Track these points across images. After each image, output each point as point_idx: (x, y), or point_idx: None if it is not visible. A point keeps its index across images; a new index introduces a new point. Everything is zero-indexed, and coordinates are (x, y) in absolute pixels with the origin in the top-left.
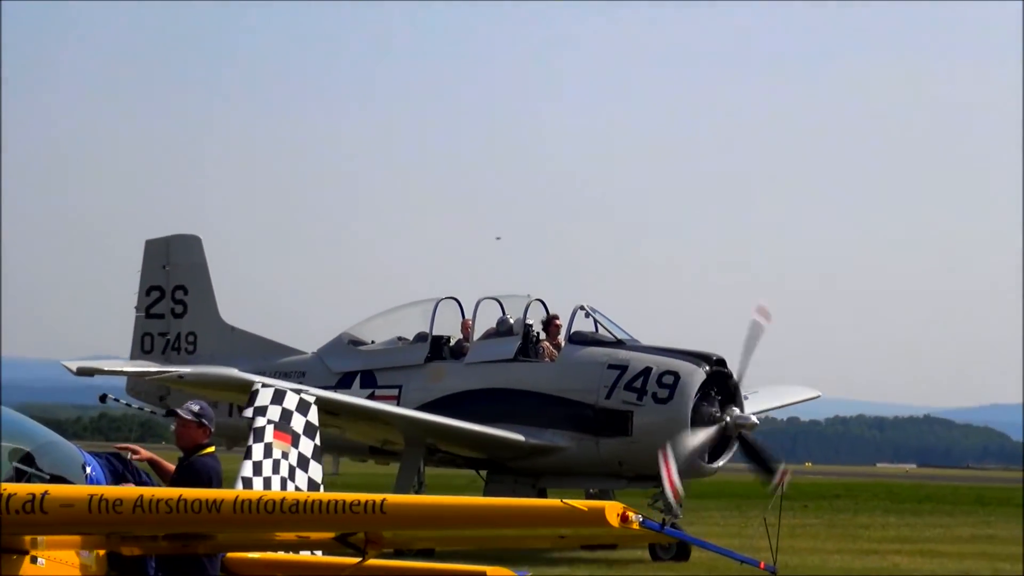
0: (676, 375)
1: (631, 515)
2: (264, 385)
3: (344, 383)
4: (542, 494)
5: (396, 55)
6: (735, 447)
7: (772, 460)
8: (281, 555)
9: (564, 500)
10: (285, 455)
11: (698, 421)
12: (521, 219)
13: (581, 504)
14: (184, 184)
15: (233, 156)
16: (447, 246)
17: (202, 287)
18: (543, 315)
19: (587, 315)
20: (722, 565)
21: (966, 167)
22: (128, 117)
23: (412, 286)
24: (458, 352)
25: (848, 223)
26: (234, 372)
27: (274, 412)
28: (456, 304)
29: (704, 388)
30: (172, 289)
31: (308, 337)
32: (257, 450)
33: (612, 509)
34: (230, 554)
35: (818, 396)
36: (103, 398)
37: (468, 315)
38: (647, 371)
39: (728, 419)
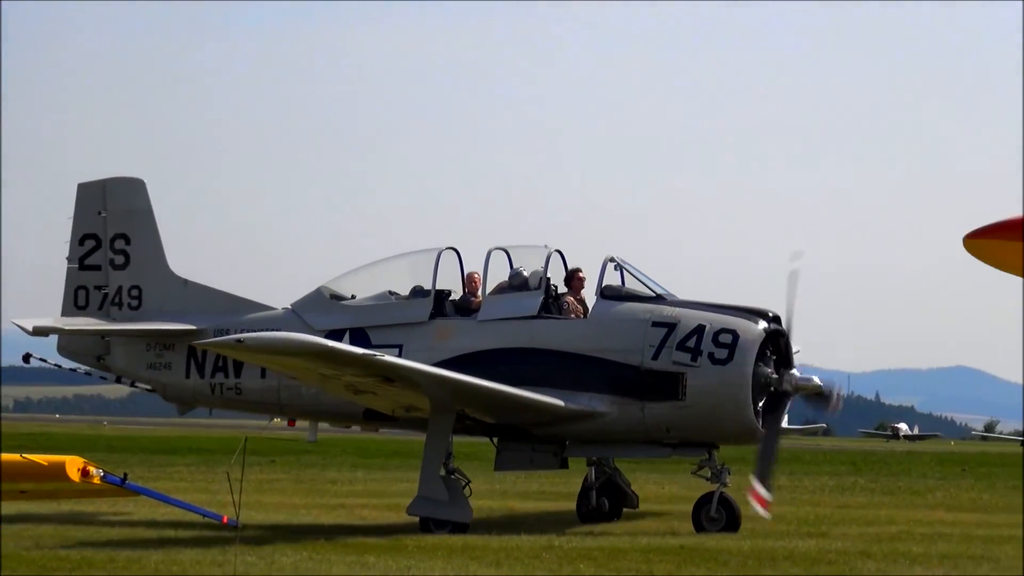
0: (734, 333)
1: (92, 470)
2: (337, 348)
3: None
4: (564, 464)
5: None
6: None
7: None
8: None
9: (24, 455)
10: None
11: (756, 383)
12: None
13: (42, 459)
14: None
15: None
16: (430, 195)
17: (147, 236)
18: (562, 268)
19: (616, 267)
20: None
21: None
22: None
23: (393, 236)
24: (465, 308)
25: None
26: (307, 336)
27: None
28: (455, 256)
29: (761, 347)
30: (111, 238)
31: (263, 294)
32: None
33: (72, 464)
34: None
35: None
36: (27, 358)
37: (469, 268)
38: (700, 329)
39: (787, 382)
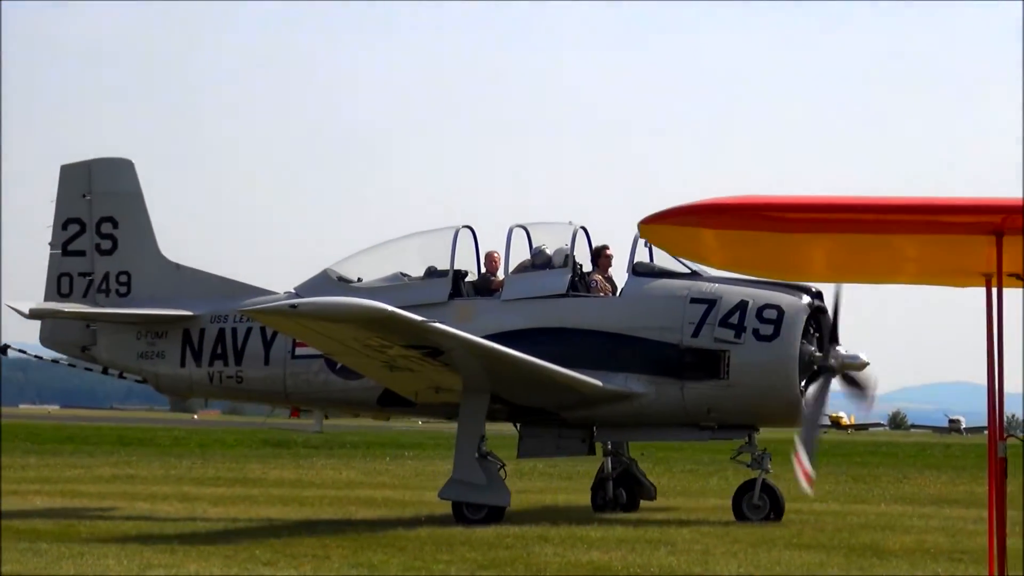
0: (779, 308)
1: None
2: (399, 313)
3: None
4: (591, 450)
5: None
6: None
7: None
8: None
9: None
10: None
11: (801, 361)
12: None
13: None
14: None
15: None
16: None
17: (136, 219)
18: (586, 246)
19: (647, 244)
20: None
21: None
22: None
23: (395, 217)
24: (484, 288)
25: None
26: (367, 301)
27: None
28: (471, 234)
29: (805, 323)
30: (96, 222)
31: (261, 279)
32: None
33: None
34: None
35: None
36: (4, 349)
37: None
38: (743, 305)
39: (834, 359)
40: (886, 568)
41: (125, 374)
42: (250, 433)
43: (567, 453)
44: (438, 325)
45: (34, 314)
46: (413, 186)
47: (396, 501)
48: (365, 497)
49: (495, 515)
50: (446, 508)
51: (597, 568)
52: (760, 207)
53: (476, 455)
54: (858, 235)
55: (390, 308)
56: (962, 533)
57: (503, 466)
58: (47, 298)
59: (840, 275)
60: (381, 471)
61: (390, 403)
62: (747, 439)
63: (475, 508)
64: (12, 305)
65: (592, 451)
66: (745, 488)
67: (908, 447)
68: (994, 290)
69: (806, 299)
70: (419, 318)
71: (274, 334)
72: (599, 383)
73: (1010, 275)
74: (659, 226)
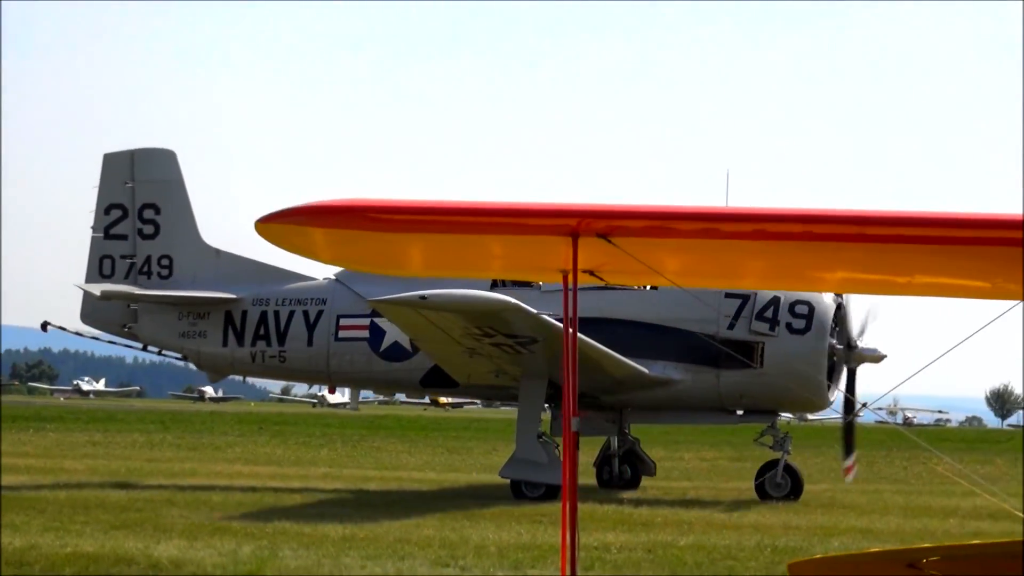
0: (809, 304)
1: None
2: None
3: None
4: (619, 430)
5: None
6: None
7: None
8: None
9: None
10: None
11: (829, 353)
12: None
13: None
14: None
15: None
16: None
17: (178, 205)
18: None
19: None
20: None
21: None
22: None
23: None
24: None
25: None
26: (492, 294)
27: None
28: None
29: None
30: (139, 208)
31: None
32: None
33: None
34: None
35: None
36: (44, 326)
37: None
38: (775, 300)
39: (854, 351)
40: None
41: (164, 351)
42: None
43: (597, 433)
44: (550, 320)
45: (105, 295)
46: (451, 175)
47: (38, 468)
48: (9, 465)
49: (552, 492)
50: None
51: (216, 528)
52: (359, 209)
53: (537, 437)
54: (449, 235)
55: (514, 301)
56: None
57: (558, 446)
58: (88, 279)
59: (435, 270)
60: (25, 442)
61: (433, 384)
62: (770, 423)
63: (534, 486)
64: (84, 287)
65: (619, 431)
66: (767, 467)
67: (499, 423)
68: (570, 284)
69: (832, 297)
70: (535, 311)
71: (317, 317)
72: (646, 371)
73: (584, 271)
74: (273, 225)
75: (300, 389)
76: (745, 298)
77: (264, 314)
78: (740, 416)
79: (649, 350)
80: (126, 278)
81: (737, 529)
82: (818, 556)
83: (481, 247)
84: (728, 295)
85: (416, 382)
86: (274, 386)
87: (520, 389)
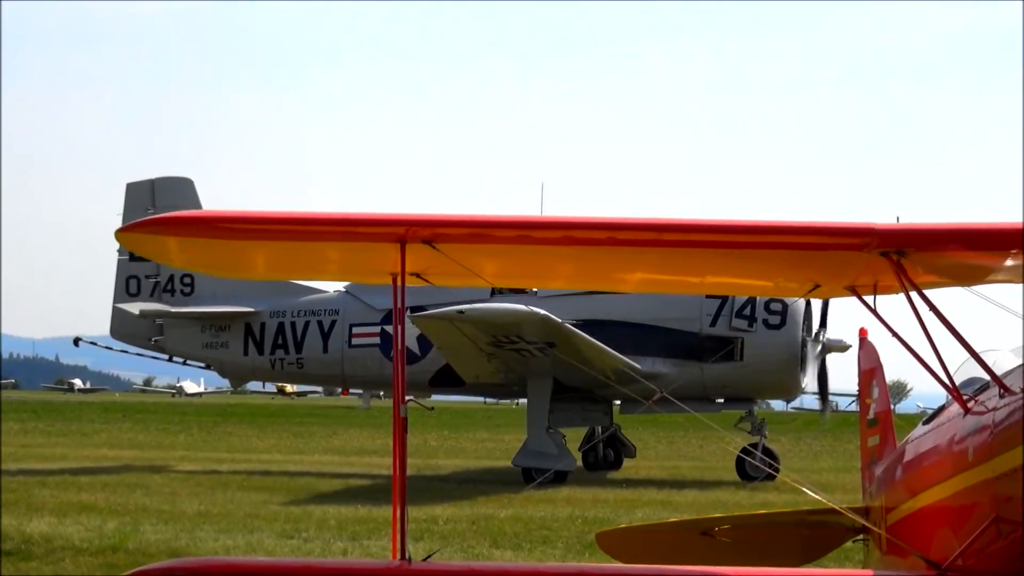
0: (783, 302)
1: None
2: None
3: (389, 320)
4: (611, 420)
5: None
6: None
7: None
8: None
9: None
10: None
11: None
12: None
13: None
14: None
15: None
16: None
17: None
18: None
19: None
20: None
21: None
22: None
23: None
24: None
25: None
26: (523, 307)
27: None
28: None
29: None
30: None
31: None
32: None
33: None
34: None
35: None
36: (76, 342)
37: None
38: (752, 300)
39: (822, 342)
40: None
41: (189, 361)
42: None
43: (591, 423)
44: (575, 330)
45: (143, 314)
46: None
47: None
48: None
49: (560, 477)
50: None
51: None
52: (208, 220)
53: (546, 429)
54: (289, 242)
55: (543, 312)
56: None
57: (564, 437)
58: (116, 298)
59: (277, 273)
60: None
61: (440, 383)
62: (748, 411)
63: (542, 472)
64: (123, 307)
65: (611, 421)
66: (747, 451)
67: (339, 410)
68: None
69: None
70: (554, 317)
71: (331, 326)
72: (638, 366)
73: (411, 274)
74: (131, 234)
75: (160, 380)
76: (723, 298)
77: (281, 325)
78: (721, 404)
79: (639, 347)
80: (151, 296)
81: (552, 503)
82: (623, 526)
83: (319, 253)
84: (708, 295)
85: (425, 383)
86: (137, 378)
87: (529, 387)
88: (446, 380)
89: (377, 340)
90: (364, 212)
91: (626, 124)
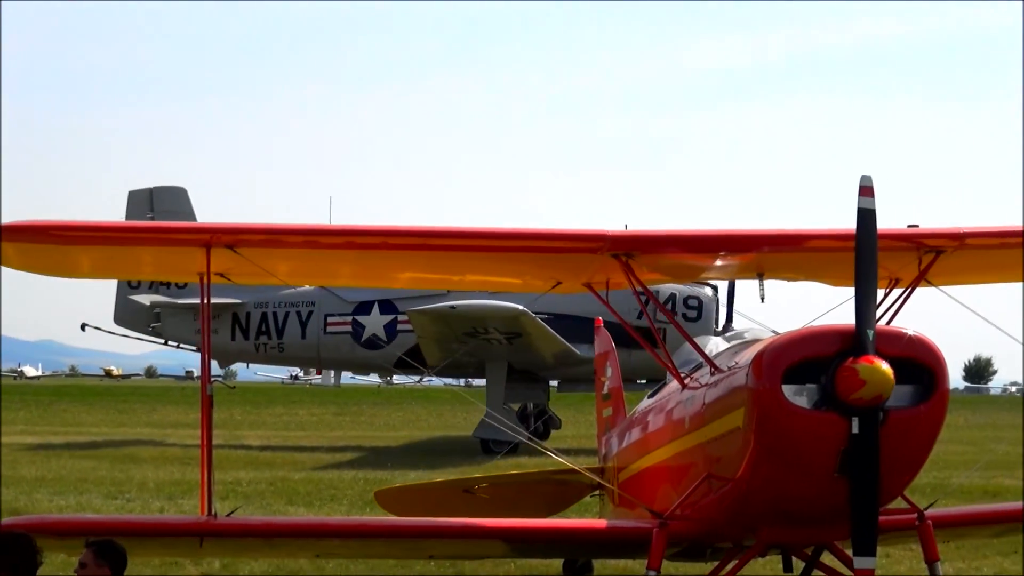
0: (699, 299)
1: None
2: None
3: (361, 311)
4: (548, 396)
5: None
6: None
7: None
8: None
9: None
10: None
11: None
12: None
13: None
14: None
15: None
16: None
17: None
18: None
19: None
20: None
21: None
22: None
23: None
24: None
25: None
26: (508, 304)
27: None
28: None
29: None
30: None
31: None
32: None
33: None
34: None
35: None
36: (83, 327)
37: None
38: (672, 296)
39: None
40: None
41: (183, 345)
42: None
43: (531, 399)
44: (542, 323)
45: (154, 304)
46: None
47: None
48: None
49: (513, 448)
50: None
51: None
52: (41, 228)
53: (503, 406)
54: (109, 247)
55: (522, 307)
56: None
57: (516, 412)
58: (119, 291)
59: (100, 274)
60: None
61: (404, 366)
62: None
63: (500, 444)
64: (135, 298)
65: (548, 397)
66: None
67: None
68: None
69: (711, 291)
70: (538, 319)
71: (308, 316)
72: (577, 352)
73: (216, 273)
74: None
75: (4, 365)
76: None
77: (265, 314)
78: (642, 384)
79: (577, 336)
80: (150, 288)
81: (338, 467)
82: (398, 485)
83: (135, 256)
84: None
85: (391, 364)
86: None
87: (488, 370)
88: (409, 364)
89: (349, 328)
90: (174, 223)
91: (407, 144)
